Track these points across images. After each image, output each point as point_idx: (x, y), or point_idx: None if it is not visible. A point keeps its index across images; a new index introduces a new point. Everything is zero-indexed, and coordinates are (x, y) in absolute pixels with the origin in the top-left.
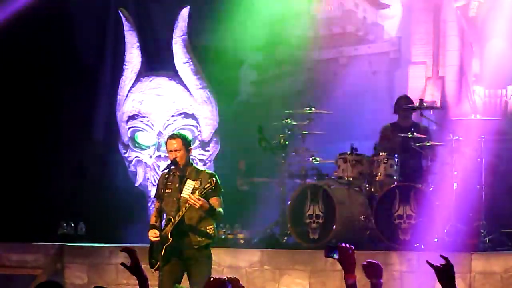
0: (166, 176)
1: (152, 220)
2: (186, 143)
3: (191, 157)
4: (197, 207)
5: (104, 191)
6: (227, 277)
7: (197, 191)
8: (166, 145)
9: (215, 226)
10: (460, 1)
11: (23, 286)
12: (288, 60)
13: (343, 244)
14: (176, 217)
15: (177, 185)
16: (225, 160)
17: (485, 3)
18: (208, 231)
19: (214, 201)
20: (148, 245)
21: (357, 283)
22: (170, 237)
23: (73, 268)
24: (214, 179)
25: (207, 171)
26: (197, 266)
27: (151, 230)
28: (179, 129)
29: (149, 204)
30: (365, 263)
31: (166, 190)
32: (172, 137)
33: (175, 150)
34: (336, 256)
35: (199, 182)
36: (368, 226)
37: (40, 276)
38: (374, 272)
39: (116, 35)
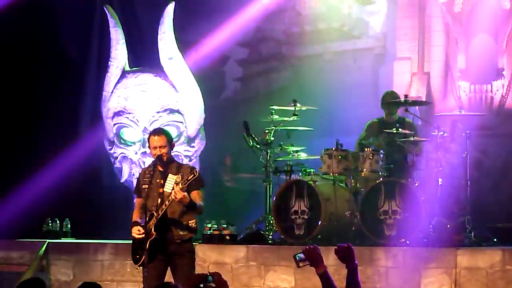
0: (146, 171)
1: (135, 216)
2: (170, 139)
3: (176, 153)
4: (176, 199)
5: (90, 188)
6: (209, 272)
7: (180, 183)
8: (148, 141)
9: (197, 220)
10: None
11: (9, 283)
12: (273, 56)
13: (306, 246)
14: (159, 211)
15: (158, 180)
16: (211, 156)
17: None
18: (190, 225)
19: (195, 194)
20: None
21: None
22: (154, 231)
23: (58, 264)
24: (195, 172)
25: (187, 165)
26: (181, 261)
27: (135, 227)
28: (164, 125)
29: (134, 200)
30: (336, 248)
31: (150, 186)
32: (155, 133)
33: (160, 147)
34: (305, 260)
35: (180, 176)
36: (353, 221)
37: (25, 273)
38: (346, 255)
39: (102, 31)
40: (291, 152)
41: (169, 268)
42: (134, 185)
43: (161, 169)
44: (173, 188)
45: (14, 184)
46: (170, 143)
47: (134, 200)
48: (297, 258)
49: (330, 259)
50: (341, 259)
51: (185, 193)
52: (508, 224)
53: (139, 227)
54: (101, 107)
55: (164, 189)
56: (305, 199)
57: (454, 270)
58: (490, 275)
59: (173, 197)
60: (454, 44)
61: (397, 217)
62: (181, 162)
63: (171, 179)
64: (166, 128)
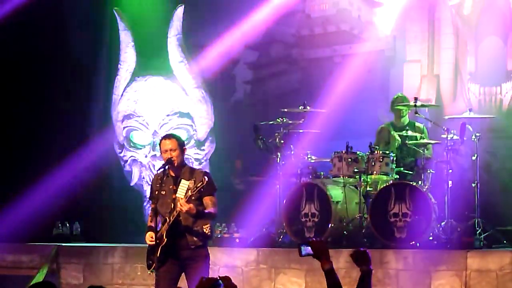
0: (160, 177)
1: (149, 221)
2: (181, 143)
3: (186, 156)
4: (183, 212)
5: (100, 191)
6: (219, 276)
7: (189, 191)
8: (160, 145)
9: (211, 225)
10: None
11: (19, 286)
12: (283, 59)
13: (313, 238)
14: (171, 217)
15: (171, 186)
16: (221, 159)
17: (479, 1)
18: (204, 230)
19: (207, 200)
20: (146, 246)
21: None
22: (165, 237)
23: (69, 268)
24: (206, 178)
25: (200, 170)
26: (195, 266)
27: (148, 233)
28: (174, 129)
29: (145, 203)
30: (352, 252)
31: (161, 192)
32: (166, 137)
33: (171, 150)
34: (310, 251)
35: (193, 181)
36: (363, 224)
37: (36, 276)
38: (362, 259)
39: (111, 35)
40: (301, 155)
41: (184, 273)
42: (148, 191)
43: (173, 175)
44: (178, 200)
45: (25, 188)
46: (181, 147)
47: (149, 204)
48: (302, 248)
49: (340, 261)
50: (356, 261)
51: (191, 205)
52: None
53: (151, 233)
54: (111, 111)
55: (177, 195)
56: (315, 202)
57: (464, 273)
58: (500, 277)
59: (178, 208)
60: (464, 47)
61: (407, 219)
62: (191, 165)
63: (184, 184)
64: (176, 131)
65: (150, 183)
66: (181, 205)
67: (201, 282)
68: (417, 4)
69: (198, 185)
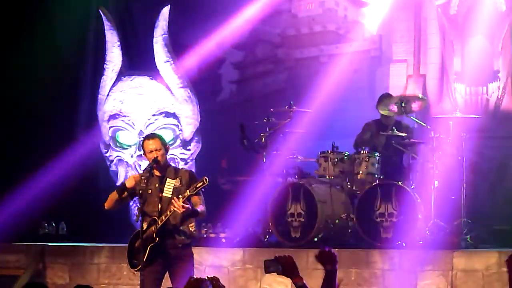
0: (144, 177)
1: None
2: (164, 142)
3: (172, 156)
4: (180, 212)
5: (86, 191)
6: (207, 277)
7: (187, 191)
8: (143, 146)
9: (195, 224)
10: None
11: (5, 286)
12: (269, 58)
13: (280, 255)
14: (163, 217)
15: (157, 185)
16: (207, 159)
17: (465, 1)
18: (190, 229)
19: (196, 199)
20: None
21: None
22: (156, 237)
23: (55, 268)
24: (206, 178)
25: (184, 169)
26: (180, 266)
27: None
28: (160, 128)
29: (130, 203)
30: (317, 252)
31: (147, 191)
32: (149, 137)
33: (155, 150)
34: (276, 268)
35: (179, 180)
36: (349, 224)
37: (22, 276)
38: (327, 259)
39: (97, 34)
40: (287, 155)
41: (167, 273)
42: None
43: (158, 174)
44: (172, 198)
45: (10, 187)
46: (165, 146)
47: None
48: (268, 267)
49: None
50: (321, 261)
51: (188, 206)
52: (504, 226)
53: (136, 176)
54: (96, 110)
55: (164, 194)
56: (301, 202)
57: (451, 273)
58: (486, 277)
59: (175, 209)
60: (450, 46)
61: (393, 219)
62: (176, 165)
63: (170, 183)
64: (161, 131)
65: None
66: (178, 206)
67: (190, 282)
68: (403, 4)
69: (198, 185)
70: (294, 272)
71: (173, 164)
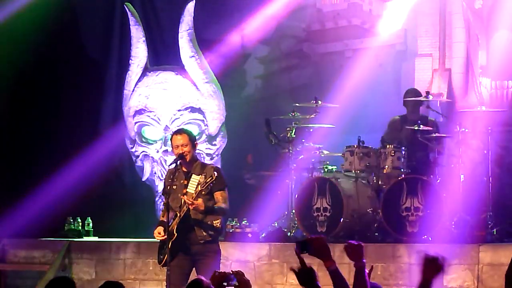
0: (172, 172)
1: (161, 216)
2: (192, 138)
3: (197, 151)
4: (191, 208)
5: (111, 186)
6: (232, 271)
7: (199, 186)
8: (171, 141)
9: (222, 220)
10: None
11: (31, 282)
12: (294, 53)
13: (313, 236)
14: (181, 212)
15: (182, 180)
16: (232, 154)
17: None
18: (214, 225)
19: (218, 195)
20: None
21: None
22: (175, 232)
23: (80, 263)
24: (215, 173)
25: (211, 165)
26: (205, 262)
27: (157, 228)
28: (186, 124)
29: (156, 199)
30: (345, 244)
31: (172, 186)
32: (177, 132)
33: (182, 145)
34: (307, 250)
35: (203, 176)
36: (375, 218)
37: (47, 272)
38: (354, 252)
39: (122, 30)
40: (313, 149)
41: (194, 268)
42: (161, 184)
43: (184, 170)
44: (186, 193)
45: (36, 183)
46: (193, 142)
47: (161, 199)
48: (301, 248)
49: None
50: (349, 255)
51: (199, 201)
52: None
53: (160, 228)
54: (122, 106)
55: (188, 190)
56: (327, 196)
57: (477, 266)
58: None
59: (188, 204)
60: (475, 41)
61: (419, 213)
62: (203, 160)
63: (195, 179)
64: (187, 126)
65: (161, 178)
66: (188, 201)
67: (214, 276)
68: None
69: (208, 180)
70: (326, 254)
71: (200, 160)
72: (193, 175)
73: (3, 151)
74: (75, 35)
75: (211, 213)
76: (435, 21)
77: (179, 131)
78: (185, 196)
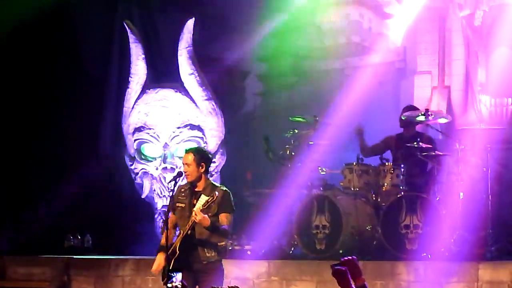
0: (182, 190)
1: (163, 240)
2: (197, 159)
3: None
4: (196, 220)
5: (111, 203)
6: (228, 286)
7: (201, 205)
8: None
9: (226, 242)
10: (465, 11)
11: None
12: (294, 71)
13: (345, 258)
14: (183, 231)
15: (191, 199)
16: (232, 171)
17: (490, 12)
18: (218, 246)
19: (223, 217)
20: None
21: None
22: (177, 250)
23: (79, 280)
24: (216, 193)
25: (221, 187)
26: (208, 279)
27: (157, 256)
28: (185, 141)
29: (156, 215)
30: (333, 270)
31: (180, 204)
32: (186, 151)
33: (185, 164)
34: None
35: (211, 197)
36: (374, 236)
37: None
38: (340, 277)
39: (122, 47)
40: (312, 167)
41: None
42: (160, 200)
43: (196, 190)
44: (194, 205)
45: (36, 200)
46: (197, 163)
47: (159, 216)
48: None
49: None
50: (339, 283)
51: (206, 216)
52: None
53: (159, 260)
54: (121, 123)
55: (195, 210)
56: (326, 213)
57: (476, 284)
58: None
59: (193, 217)
60: (475, 58)
61: (418, 231)
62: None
63: (203, 199)
64: (186, 143)
65: (161, 195)
66: (195, 214)
67: None
68: (427, 15)
69: (209, 199)
70: (357, 273)
71: (211, 181)
72: (202, 195)
73: (3, 169)
74: (75, 53)
75: (215, 231)
76: (435, 39)
77: (187, 150)
78: (196, 209)
